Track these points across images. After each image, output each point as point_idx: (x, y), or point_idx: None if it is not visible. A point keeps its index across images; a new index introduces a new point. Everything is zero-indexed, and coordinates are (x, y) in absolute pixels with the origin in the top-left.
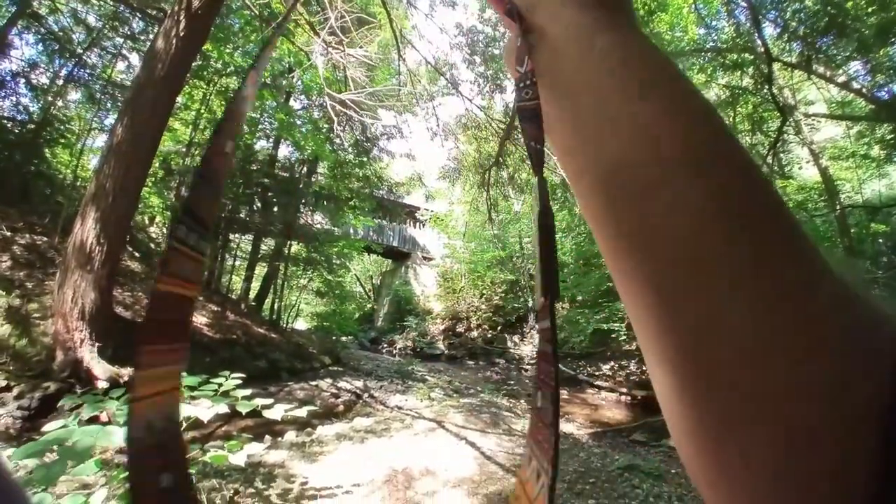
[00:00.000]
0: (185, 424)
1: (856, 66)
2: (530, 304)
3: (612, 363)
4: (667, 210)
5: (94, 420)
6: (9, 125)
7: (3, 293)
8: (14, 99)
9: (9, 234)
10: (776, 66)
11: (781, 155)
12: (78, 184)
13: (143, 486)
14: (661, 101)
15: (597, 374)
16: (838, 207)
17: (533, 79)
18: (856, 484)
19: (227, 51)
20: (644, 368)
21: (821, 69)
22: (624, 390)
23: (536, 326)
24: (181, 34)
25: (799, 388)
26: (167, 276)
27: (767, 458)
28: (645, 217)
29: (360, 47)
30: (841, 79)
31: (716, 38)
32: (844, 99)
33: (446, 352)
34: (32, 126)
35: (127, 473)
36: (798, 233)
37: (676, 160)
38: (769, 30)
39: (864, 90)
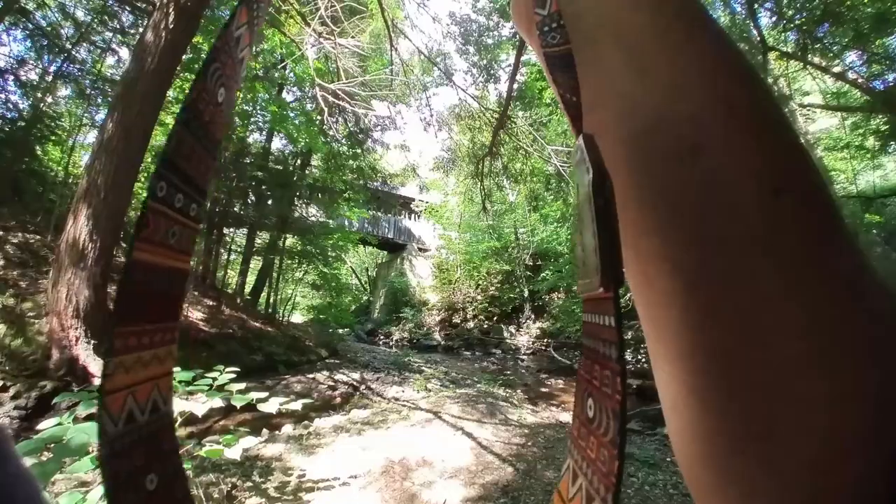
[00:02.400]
0: (179, 419)
1: (851, 56)
2: (525, 294)
3: None
4: (707, 178)
5: (90, 417)
6: None
7: None
8: (3, 96)
9: (1, 233)
10: (772, 55)
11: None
12: (70, 181)
13: (122, 492)
14: (704, 54)
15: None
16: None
17: (560, 20)
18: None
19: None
20: (640, 358)
21: (816, 59)
22: None
23: (584, 319)
24: (170, 27)
25: (839, 402)
26: (145, 243)
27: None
28: (681, 185)
29: (352, 37)
30: (836, 69)
31: None
32: (840, 90)
33: (443, 343)
34: (22, 123)
35: (102, 478)
36: (841, 217)
37: (722, 122)
38: (765, 19)
39: (859, 81)
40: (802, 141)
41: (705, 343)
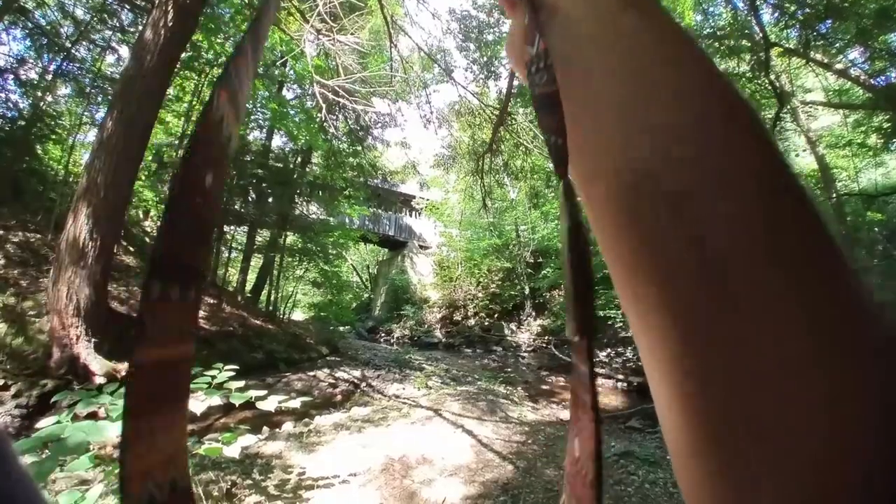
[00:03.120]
0: None
1: (854, 53)
2: (526, 291)
3: (609, 350)
4: (700, 224)
5: (91, 416)
6: None
7: None
8: (3, 95)
9: (1, 232)
10: (774, 51)
11: (778, 143)
12: (70, 180)
13: None
14: (699, 97)
15: (593, 360)
16: (834, 196)
17: (548, 60)
18: None
19: (218, 41)
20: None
21: (818, 56)
22: (620, 376)
23: (573, 365)
24: (169, 24)
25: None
26: (145, 346)
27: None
28: (674, 231)
29: (351, 34)
30: (839, 66)
31: (713, 24)
32: (842, 87)
33: (443, 340)
34: (22, 122)
35: None
36: (831, 237)
37: (717, 169)
38: (767, 15)
39: (861, 77)
40: (791, 176)
41: (700, 345)
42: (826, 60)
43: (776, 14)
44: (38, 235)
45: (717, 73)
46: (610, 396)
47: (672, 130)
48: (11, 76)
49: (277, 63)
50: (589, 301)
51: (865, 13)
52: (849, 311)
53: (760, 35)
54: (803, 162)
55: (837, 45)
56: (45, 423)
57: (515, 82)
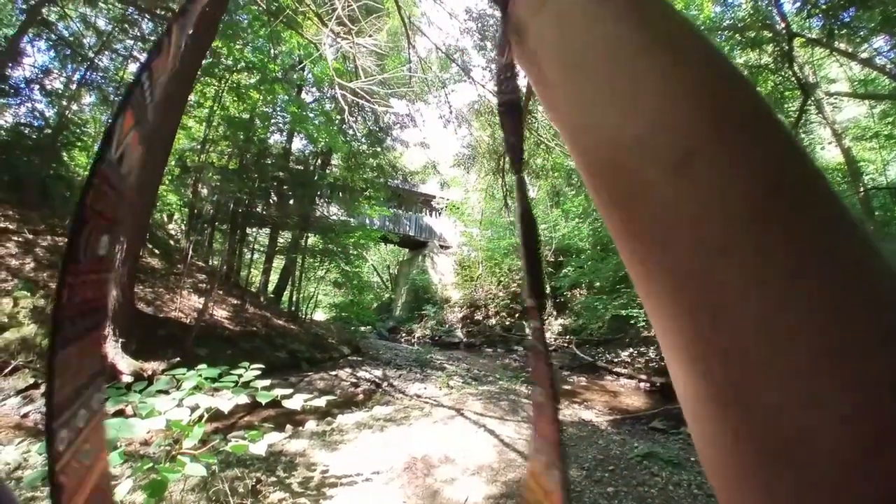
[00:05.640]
0: (205, 415)
1: (879, 41)
2: (547, 290)
3: (631, 350)
4: (692, 194)
5: (119, 413)
6: (26, 131)
7: (28, 294)
8: (30, 105)
9: (31, 236)
10: (796, 42)
11: (803, 135)
12: None
13: None
14: (688, 71)
15: (615, 360)
16: (862, 189)
17: (513, 71)
18: None
19: (237, 47)
20: (662, 356)
21: (843, 45)
22: (643, 377)
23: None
24: (190, 32)
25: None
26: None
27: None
28: (667, 200)
29: (369, 36)
30: (864, 55)
31: (732, 15)
32: (867, 77)
33: (464, 340)
34: (49, 131)
35: None
36: (842, 207)
37: (705, 138)
38: (788, 5)
39: (887, 67)
40: (793, 136)
41: (718, 350)
42: (850, 50)
43: (797, 3)
44: (66, 239)
45: (707, 61)
46: (633, 397)
47: (660, 95)
48: (37, 86)
49: (297, 67)
50: (537, 269)
51: (890, 0)
52: (860, 298)
53: (782, 25)
54: (829, 155)
55: (862, 33)
56: None
57: None
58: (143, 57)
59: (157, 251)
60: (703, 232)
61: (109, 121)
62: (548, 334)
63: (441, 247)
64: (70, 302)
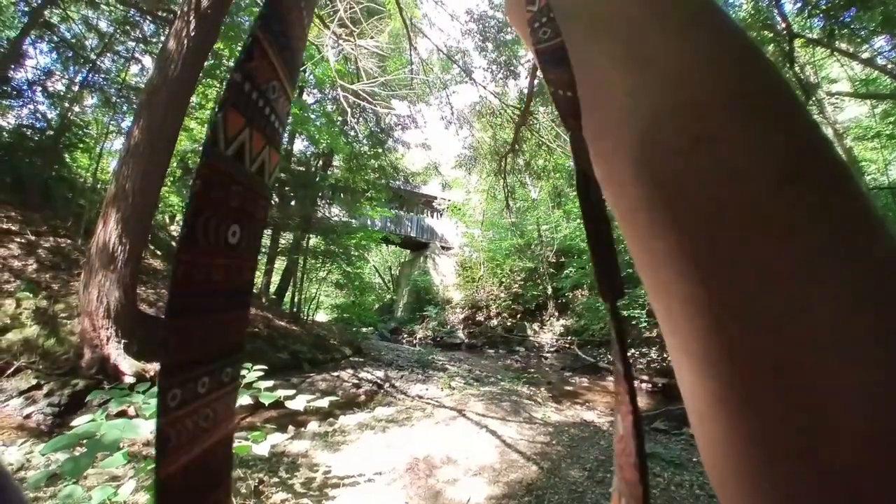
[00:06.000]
0: None
1: (880, 41)
2: (549, 291)
3: (633, 350)
4: (721, 167)
5: (121, 414)
6: (28, 133)
7: (31, 295)
8: (32, 107)
9: (34, 238)
10: (797, 42)
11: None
12: (98, 186)
13: None
14: (708, 38)
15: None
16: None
17: (550, 14)
18: None
19: (239, 49)
20: (665, 356)
21: (844, 45)
22: (645, 378)
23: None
24: (192, 34)
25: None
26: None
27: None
28: (693, 178)
29: (371, 38)
30: (865, 55)
31: (733, 15)
32: (869, 77)
33: (466, 340)
34: (51, 132)
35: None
36: (866, 199)
37: (733, 107)
38: (789, 5)
39: (888, 67)
40: (817, 123)
41: (732, 348)
42: (851, 50)
43: (798, 4)
44: (69, 240)
45: (727, 29)
46: None
47: (678, 75)
48: (40, 88)
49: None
50: (608, 255)
51: (892, 0)
52: (888, 289)
53: (783, 26)
54: None
55: (863, 33)
56: (80, 421)
57: (536, 81)
58: (144, 59)
59: (159, 252)
60: (718, 219)
61: (219, 115)
62: (549, 335)
63: (442, 248)
64: (193, 279)
